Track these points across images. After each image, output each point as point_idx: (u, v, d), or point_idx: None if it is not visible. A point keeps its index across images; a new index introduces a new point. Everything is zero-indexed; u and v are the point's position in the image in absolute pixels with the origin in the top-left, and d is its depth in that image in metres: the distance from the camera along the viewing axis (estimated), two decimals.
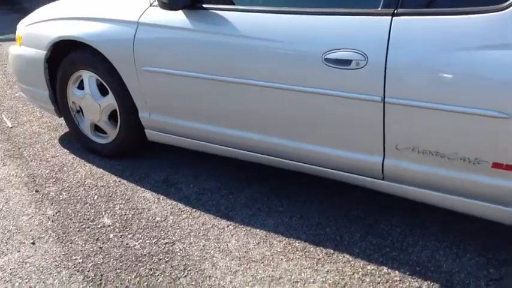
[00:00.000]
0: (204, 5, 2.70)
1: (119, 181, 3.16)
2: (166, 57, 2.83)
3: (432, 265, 2.29)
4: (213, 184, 3.05)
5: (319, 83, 2.34)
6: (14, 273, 2.44)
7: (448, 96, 2.06)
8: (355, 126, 2.34)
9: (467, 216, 2.28)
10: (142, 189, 3.06)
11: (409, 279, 2.22)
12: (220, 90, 2.69)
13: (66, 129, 3.86)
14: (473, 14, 2.01)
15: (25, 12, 7.18)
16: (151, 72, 2.90)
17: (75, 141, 3.61)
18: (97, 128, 3.46)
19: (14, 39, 5.48)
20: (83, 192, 3.08)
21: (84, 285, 2.31)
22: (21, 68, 3.63)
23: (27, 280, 2.39)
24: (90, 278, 2.35)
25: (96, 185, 3.13)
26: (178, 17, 2.76)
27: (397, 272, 2.26)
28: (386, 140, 2.28)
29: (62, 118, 3.67)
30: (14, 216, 2.87)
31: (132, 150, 3.36)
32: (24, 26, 3.58)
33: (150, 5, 2.91)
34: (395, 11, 2.16)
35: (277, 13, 2.49)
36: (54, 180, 3.23)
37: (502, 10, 1.96)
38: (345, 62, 2.24)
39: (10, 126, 4.02)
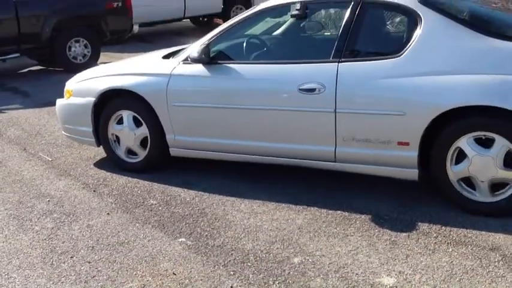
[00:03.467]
0: (218, 61, 4.29)
1: (151, 183, 4.55)
2: (190, 96, 4.37)
3: (366, 208, 3.81)
4: (219, 181, 4.49)
5: (296, 104, 3.95)
6: (101, 229, 3.80)
7: (372, 105, 3.71)
8: (318, 128, 3.92)
9: (387, 178, 3.87)
10: (171, 186, 4.46)
11: (355, 216, 3.74)
12: (229, 115, 4.24)
13: (97, 159, 5.21)
14: (384, 59, 3.71)
15: (14, 91, 8.56)
16: (179, 106, 4.41)
17: (111, 163, 4.97)
18: (129, 152, 4.87)
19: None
20: (128, 189, 4.46)
21: (154, 230, 3.70)
22: (69, 113, 5.04)
23: (114, 233, 3.74)
24: (157, 225, 3.75)
25: (136, 186, 4.52)
26: (200, 69, 4.33)
27: (343, 212, 3.78)
28: (337, 135, 3.87)
29: (97, 148, 5.06)
30: (92, 203, 4.23)
31: (156, 166, 4.77)
32: (75, 83, 5.04)
33: (179, 63, 4.47)
34: (340, 60, 3.83)
35: (267, 64, 4.13)
36: (103, 186, 4.59)
37: (399, 56, 3.67)
38: (312, 90, 3.86)
39: (50, 159, 5.35)
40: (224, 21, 13.18)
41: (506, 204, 3.50)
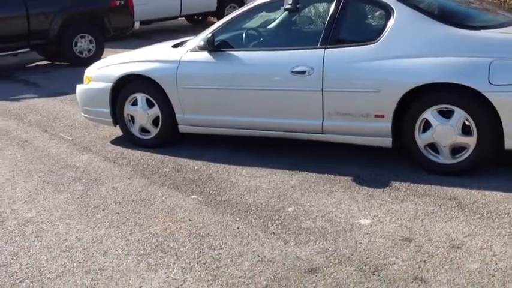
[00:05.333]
0: (222, 49, 4.99)
1: (163, 156, 5.23)
2: (197, 79, 5.06)
3: (349, 171, 4.51)
4: (222, 153, 5.17)
5: (289, 84, 4.65)
6: (125, 190, 4.49)
7: (353, 84, 4.42)
8: (308, 104, 4.62)
9: (366, 146, 4.59)
10: (180, 158, 5.14)
11: (339, 178, 4.44)
12: (231, 95, 4.94)
13: (112, 138, 5.88)
14: (362, 45, 4.42)
15: (25, 83, 9.23)
16: (187, 88, 5.10)
17: (126, 140, 5.64)
18: (143, 130, 5.55)
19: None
20: (143, 161, 5.15)
21: (170, 190, 4.40)
22: (89, 96, 5.72)
23: (137, 193, 4.44)
24: (172, 187, 4.45)
25: (150, 158, 5.20)
26: (205, 56, 5.02)
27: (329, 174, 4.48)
28: (324, 110, 4.58)
29: (114, 127, 5.75)
30: (114, 171, 4.92)
31: (167, 142, 5.45)
32: (95, 70, 5.72)
33: (187, 51, 5.17)
34: (326, 46, 4.54)
35: (264, 50, 4.85)
36: (121, 158, 5.27)
37: (375, 43, 4.39)
38: (302, 72, 4.57)
39: (70, 138, 6.02)
40: (218, 19, 13.95)
41: (464, 164, 4.22)
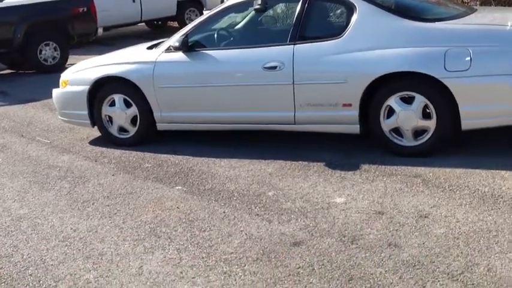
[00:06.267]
0: (196, 49, 5.27)
1: (143, 153, 5.48)
2: (173, 79, 5.34)
3: (321, 158, 4.84)
4: (200, 147, 5.45)
5: (261, 79, 4.97)
6: (111, 185, 4.73)
7: (321, 77, 4.77)
8: (280, 97, 4.95)
9: (336, 134, 4.94)
10: (160, 154, 5.39)
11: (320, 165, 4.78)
12: (206, 92, 5.22)
13: (90, 139, 6.08)
14: (328, 40, 4.78)
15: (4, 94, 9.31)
16: (163, 87, 5.37)
17: (105, 141, 5.86)
18: (121, 129, 5.78)
19: None
20: (124, 158, 5.38)
21: (154, 183, 4.67)
22: (66, 99, 5.93)
23: (123, 187, 4.69)
24: (155, 180, 4.71)
25: (130, 155, 5.43)
26: (180, 56, 5.30)
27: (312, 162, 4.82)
28: (295, 102, 4.90)
29: (92, 128, 5.96)
30: (97, 169, 5.15)
31: (145, 140, 5.69)
32: (71, 74, 5.93)
33: (162, 52, 5.43)
34: (295, 43, 4.88)
35: (237, 48, 5.16)
36: (102, 157, 5.49)
37: (340, 37, 4.75)
38: (274, 68, 4.89)
39: (48, 141, 6.21)
40: (179, 24, 14.19)
41: (426, 145, 4.61)
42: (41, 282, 3.34)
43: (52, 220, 4.16)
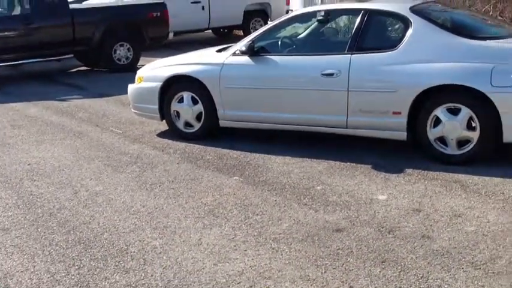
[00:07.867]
0: (261, 54, 5.76)
1: (205, 147, 5.98)
2: (238, 80, 5.83)
3: (368, 160, 5.22)
4: (258, 144, 5.91)
5: (319, 85, 5.40)
6: (176, 171, 5.26)
7: (374, 85, 5.16)
8: (334, 103, 5.37)
9: (384, 139, 5.31)
10: (221, 148, 5.88)
11: (359, 166, 5.15)
12: (268, 94, 5.70)
13: (157, 132, 6.64)
14: (383, 52, 5.17)
15: (70, 85, 10.05)
16: (229, 87, 5.87)
17: (171, 134, 6.41)
18: (187, 124, 6.32)
19: None
20: (188, 150, 5.90)
21: (214, 172, 5.16)
22: (139, 94, 6.51)
23: (186, 174, 5.19)
24: (215, 170, 5.20)
25: (193, 148, 5.95)
26: (246, 60, 5.79)
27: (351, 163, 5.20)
28: (348, 108, 5.31)
29: (161, 122, 6.52)
30: (163, 157, 5.69)
31: (208, 135, 6.21)
32: (146, 71, 6.52)
33: (230, 55, 5.95)
34: (352, 53, 5.29)
35: (298, 55, 5.61)
36: (168, 148, 6.04)
37: (394, 50, 5.13)
38: (331, 75, 5.32)
39: (120, 132, 6.81)
40: (244, 33, 14.76)
41: (468, 155, 4.92)
42: (114, 245, 3.86)
43: (124, 197, 4.70)
